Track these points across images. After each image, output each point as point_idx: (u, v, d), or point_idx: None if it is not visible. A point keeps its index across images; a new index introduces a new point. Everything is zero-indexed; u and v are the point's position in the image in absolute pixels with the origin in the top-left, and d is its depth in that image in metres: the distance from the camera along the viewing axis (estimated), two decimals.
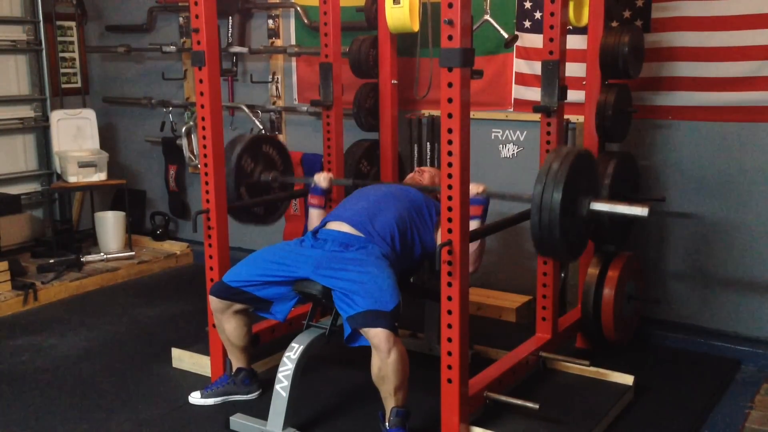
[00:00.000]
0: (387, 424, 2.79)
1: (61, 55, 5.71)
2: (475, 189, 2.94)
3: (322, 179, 3.52)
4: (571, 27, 3.45)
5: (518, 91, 4.16)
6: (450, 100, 2.50)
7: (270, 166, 3.66)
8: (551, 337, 3.39)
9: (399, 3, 3.63)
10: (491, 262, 4.38)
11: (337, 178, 3.85)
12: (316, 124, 4.81)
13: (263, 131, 4.93)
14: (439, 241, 2.64)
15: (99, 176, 5.25)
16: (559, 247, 2.73)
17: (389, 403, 2.78)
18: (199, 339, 3.65)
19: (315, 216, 3.48)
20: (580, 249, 2.98)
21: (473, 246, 2.91)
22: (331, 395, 3.29)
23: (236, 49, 5.00)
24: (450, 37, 2.45)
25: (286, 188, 3.77)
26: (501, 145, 4.25)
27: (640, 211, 2.80)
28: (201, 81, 3.15)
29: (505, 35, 3.89)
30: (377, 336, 2.68)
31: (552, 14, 3.18)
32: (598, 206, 2.82)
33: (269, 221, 3.78)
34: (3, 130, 5.31)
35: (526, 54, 4.08)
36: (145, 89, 5.70)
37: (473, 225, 2.92)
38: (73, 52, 5.80)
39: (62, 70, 5.71)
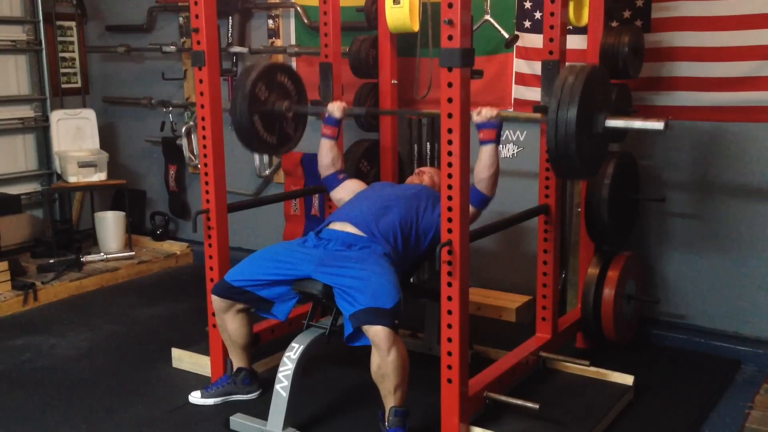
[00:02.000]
0: (386, 423, 2.79)
1: (61, 55, 5.71)
2: (488, 113, 2.93)
3: (335, 108, 3.48)
4: (571, 27, 3.45)
5: (518, 91, 4.16)
6: (450, 100, 2.50)
7: (284, 96, 3.57)
8: (551, 337, 3.39)
9: (399, 3, 3.63)
10: (491, 262, 4.38)
11: None
12: (316, 124, 4.81)
13: None
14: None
15: (99, 176, 5.25)
16: (575, 163, 2.69)
17: (389, 402, 2.79)
18: (199, 339, 3.65)
19: (326, 146, 3.47)
20: (596, 166, 2.93)
21: (490, 168, 2.95)
22: (331, 395, 3.29)
23: (236, 49, 5.00)
24: (450, 37, 2.45)
25: (300, 118, 3.70)
26: (501, 145, 4.24)
27: (657, 124, 2.77)
28: (201, 81, 3.15)
29: (506, 35, 3.89)
30: (377, 334, 2.68)
31: (552, 14, 3.18)
32: (614, 122, 2.79)
33: (281, 150, 3.73)
34: (3, 130, 5.31)
35: (526, 54, 4.08)
36: (145, 89, 5.70)
37: (489, 148, 2.95)
38: (73, 52, 5.80)
39: (62, 70, 5.71)
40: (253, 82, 3.38)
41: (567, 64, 3.15)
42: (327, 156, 3.48)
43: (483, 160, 2.97)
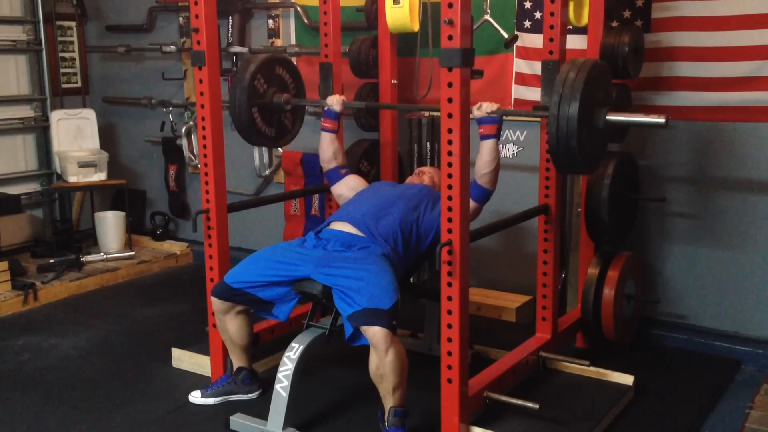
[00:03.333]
0: (386, 423, 2.79)
1: (61, 55, 5.71)
2: (488, 107, 2.94)
3: (335, 102, 3.49)
4: (571, 27, 3.45)
5: (518, 91, 4.16)
6: (450, 100, 2.50)
7: (282, 89, 3.56)
8: (551, 337, 3.39)
9: (399, 3, 3.63)
10: (491, 262, 4.38)
11: None
12: (316, 124, 4.81)
13: None
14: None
15: (99, 176, 5.26)
16: (576, 158, 2.70)
17: (388, 402, 2.79)
18: (199, 339, 3.65)
19: (326, 140, 3.48)
20: (596, 161, 2.94)
21: (490, 164, 2.95)
22: (331, 395, 3.29)
23: (236, 49, 5.01)
24: (450, 37, 2.45)
25: (298, 111, 3.69)
26: (501, 145, 4.24)
27: (657, 119, 2.77)
28: (201, 81, 3.15)
29: (505, 35, 3.89)
30: (375, 335, 2.68)
31: (552, 14, 3.18)
32: (615, 116, 2.80)
33: (279, 143, 3.73)
34: (3, 130, 5.31)
35: (526, 54, 4.08)
36: (145, 89, 5.70)
37: (490, 143, 2.96)
38: (73, 52, 5.80)
39: (62, 70, 5.71)
40: (252, 74, 3.38)
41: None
42: (328, 149, 3.48)
43: (484, 155, 2.97)
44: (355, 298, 2.76)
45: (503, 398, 2.90)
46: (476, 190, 2.98)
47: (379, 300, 2.74)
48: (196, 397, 3.24)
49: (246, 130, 3.44)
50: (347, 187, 3.45)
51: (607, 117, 2.77)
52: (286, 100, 3.52)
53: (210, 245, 3.28)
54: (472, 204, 2.87)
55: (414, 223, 3.12)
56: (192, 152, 5.39)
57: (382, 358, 2.69)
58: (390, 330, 2.70)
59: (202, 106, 3.17)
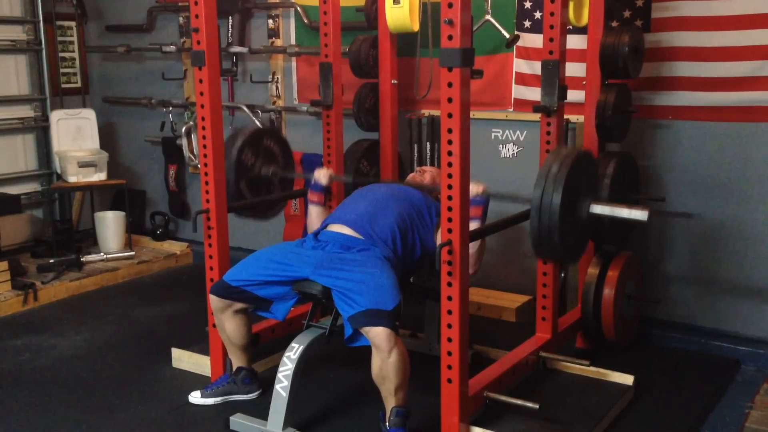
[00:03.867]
0: (387, 423, 2.79)
1: (61, 55, 5.71)
2: (474, 189, 2.91)
3: (322, 176, 3.46)
4: (571, 27, 3.45)
5: (518, 91, 4.16)
6: (450, 100, 2.50)
7: (271, 160, 3.59)
8: (551, 337, 3.39)
9: (399, 3, 3.63)
10: (491, 262, 4.38)
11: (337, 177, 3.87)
12: (316, 124, 4.81)
13: None
14: (439, 242, 2.64)
15: (99, 176, 5.26)
16: (558, 250, 2.72)
17: (389, 402, 2.78)
18: (199, 339, 3.65)
19: (314, 213, 3.45)
20: (579, 252, 2.97)
21: (473, 247, 2.89)
22: (331, 395, 3.29)
23: (236, 49, 5.01)
24: (450, 37, 2.45)
25: (287, 183, 3.73)
26: (501, 145, 4.25)
27: (640, 215, 2.78)
28: (201, 81, 3.15)
29: (507, 35, 3.89)
30: (378, 335, 2.68)
31: (552, 14, 3.18)
32: (598, 209, 2.81)
33: (268, 216, 3.76)
34: (3, 130, 5.31)
35: (526, 54, 4.08)
36: (145, 89, 5.70)
37: (473, 226, 2.91)
38: (73, 52, 5.80)
39: (62, 70, 5.71)
40: (239, 149, 3.41)
41: (553, 149, 3.13)
42: (316, 224, 3.39)
43: None
44: (356, 299, 2.76)
45: (503, 398, 2.90)
46: None
47: (381, 301, 2.74)
48: (195, 397, 3.24)
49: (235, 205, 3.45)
50: None
51: (591, 208, 2.77)
52: (273, 172, 3.55)
53: (210, 245, 3.28)
54: None
55: (410, 225, 3.11)
56: (192, 152, 5.39)
57: (385, 359, 2.68)
58: (393, 331, 2.70)
59: (202, 106, 3.17)
